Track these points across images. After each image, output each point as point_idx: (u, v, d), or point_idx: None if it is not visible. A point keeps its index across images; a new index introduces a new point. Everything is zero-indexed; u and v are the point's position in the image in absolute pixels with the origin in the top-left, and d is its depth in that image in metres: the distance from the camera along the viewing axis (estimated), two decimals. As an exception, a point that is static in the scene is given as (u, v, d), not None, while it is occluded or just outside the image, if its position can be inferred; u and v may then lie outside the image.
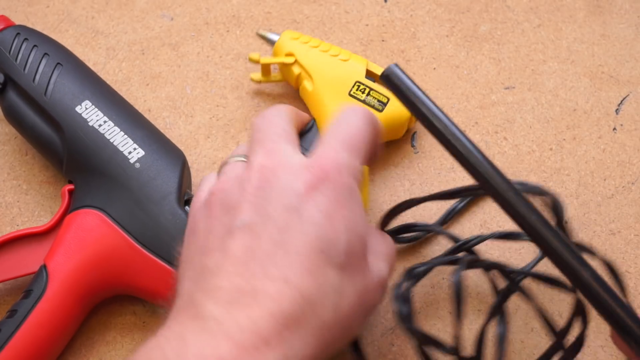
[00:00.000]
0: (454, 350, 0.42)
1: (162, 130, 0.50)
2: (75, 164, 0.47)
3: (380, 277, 0.39)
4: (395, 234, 0.48)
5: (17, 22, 0.52)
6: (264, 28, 0.56)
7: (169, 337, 0.33)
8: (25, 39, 0.49)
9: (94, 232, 0.45)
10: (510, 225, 0.50)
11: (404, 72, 0.38)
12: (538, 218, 0.36)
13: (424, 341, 0.43)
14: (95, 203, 0.46)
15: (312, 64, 0.50)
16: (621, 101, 0.54)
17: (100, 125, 0.47)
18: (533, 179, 0.51)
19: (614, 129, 0.53)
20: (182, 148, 0.50)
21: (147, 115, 0.53)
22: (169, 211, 0.45)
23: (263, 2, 0.58)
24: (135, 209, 0.45)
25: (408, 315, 0.42)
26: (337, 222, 0.36)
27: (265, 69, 0.52)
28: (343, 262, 0.35)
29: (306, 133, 0.46)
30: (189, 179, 0.49)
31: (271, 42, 0.53)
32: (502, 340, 0.45)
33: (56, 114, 0.47)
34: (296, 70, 0.51)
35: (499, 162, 0.52)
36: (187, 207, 0.46)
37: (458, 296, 0.40)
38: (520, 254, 0.49)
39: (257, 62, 0.52)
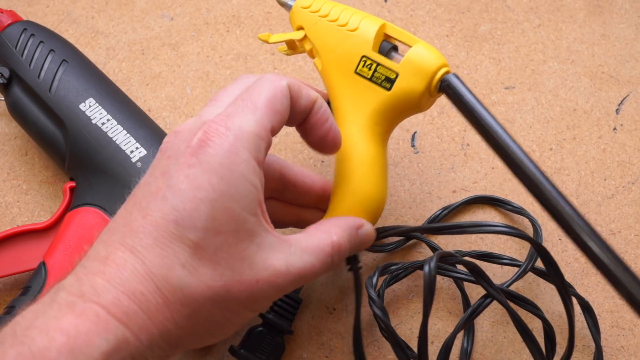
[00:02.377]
0: (416, 356, 0.42)
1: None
2: (77, 161, 0.47)
3: (277, 273, 0.35)
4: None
5: (17, 22, 0.52)
6: None
7: (29, 310, 0.33)
8: (32, 34, 0.49)
9: (94, 229, 0.45)
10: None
11: (462, 82, 0.40)
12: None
13: (393, 343, 0.42)
14: (95, 201, 0.46)
15: (320, 38, 0.45)
16: (621, 101, 0.54)
17: (103, 124, 0.47)
18: (533, 179, 0.51)
19: (614, 129, 0.53)
20: (182, 148, 0.49)
21: (147, 115, 0.54)
22: None
23: (263, 2, 0.58)
24: None
25: (381, 313, 0.42)
26: (202, 192, 0.33)
27: (290, 42, 0.47)
28: (199, 239, 0.33)
29: None
30: None
31: (287, 7, 0.47)
32: (466, 357, 0.45)
33: (60, 110, 0.47)
34: (307, 45, 0.46)
35: (498, 162, 0.52)
36: None
37: (429, 290, 0.38)
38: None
39: (266, 41, 0.47)
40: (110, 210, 0.45)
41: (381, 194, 0.43)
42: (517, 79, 0.55)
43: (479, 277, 0.42)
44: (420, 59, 0.42)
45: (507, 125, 0.53)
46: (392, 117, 0.44)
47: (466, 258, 0.45)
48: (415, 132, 0.53)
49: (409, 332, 0.47)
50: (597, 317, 0.46)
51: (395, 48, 0.44)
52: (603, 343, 0.46)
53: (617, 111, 0.54)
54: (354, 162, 0.43)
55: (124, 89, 0.54)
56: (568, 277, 0.48)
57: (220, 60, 0.56)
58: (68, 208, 0.47)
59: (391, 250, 0.49)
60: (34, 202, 0.51)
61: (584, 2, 0.58)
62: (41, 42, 0.49)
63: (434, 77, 0.42)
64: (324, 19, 0.45)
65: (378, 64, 0.43)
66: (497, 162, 0.52)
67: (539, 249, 0.41)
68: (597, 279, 0.48)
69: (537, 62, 0.56)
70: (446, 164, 0.52)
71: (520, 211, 0.50)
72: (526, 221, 0.50)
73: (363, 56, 0.43)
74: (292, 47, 0.47)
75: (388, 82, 0.43)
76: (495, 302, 0.43)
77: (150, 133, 0.48)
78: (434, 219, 0.49)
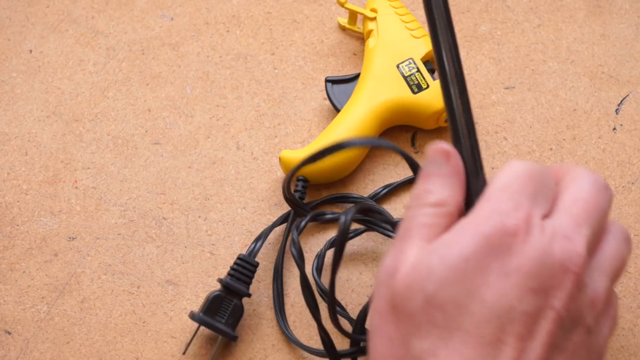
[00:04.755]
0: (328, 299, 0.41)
1: (162, 130, 0.50)
2: None
3: None
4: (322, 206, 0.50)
5: (17, 22, 0.52)
6: None
7: None
8: None
9: None
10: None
11: None
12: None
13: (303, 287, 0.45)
14: None
15: (386, 26, 0.52)
16: (621, 101, 0.54)
17: None
18: (533, 179, 0.51)
19: (614, 129, 0.53)
20: (182, 148, 0.50)
21: (147, 115, 0.54)
22: None
23: (263, 2, 0.58)
24: None
25: (297, 254, 0.45)
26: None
27: (352, 16, 0.55)
28: None
29: (342, 82, 0.52)
30: None
31: None
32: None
33: None
34: (371, 25, 0.53)
35: (498, 163, 0.52)
36: None
37: (341, 238, 0.37)
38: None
39: (342, 5, 0.53)
40: None
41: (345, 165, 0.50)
42: (517, 79, 0.55)
43: (370, 213, 0.44)
44: None
45: (507, 125, 0.53)
46: (399, 114, 0.51)
47: (368, 203, 0.50)
48: (415, 132, 0.53)
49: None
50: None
51: (434, 71, 0.51)
52: (603, 343, 0.46)
53: (616, 111, 0.54)
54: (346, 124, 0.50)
55: (124, 89, 0.55)
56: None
57: (220, 60, 0.56)
58: None
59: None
60: (34, 202, 0.51)
61: (584, 2, 0.58)
62: None
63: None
64: (397, 16, 0.52)
65: (419, 70, 0.51)
66: (497, 162, 0.52)
67: (409, 160, 0.42)
68: (597, 279, 0.48)
69: (537, 62, 0.56)
70: (446, 164, 0.52)
71: None
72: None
73: (410, 58, 0.51)
74: (353, 21, 0.55)
75: (417, 87, 0.51)
76: None
77: None
78: (374, 196, 0.51)
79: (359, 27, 0.55)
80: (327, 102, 0.53)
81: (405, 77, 0.51)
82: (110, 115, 0.54)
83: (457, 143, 0.36)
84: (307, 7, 0.57)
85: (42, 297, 0.49)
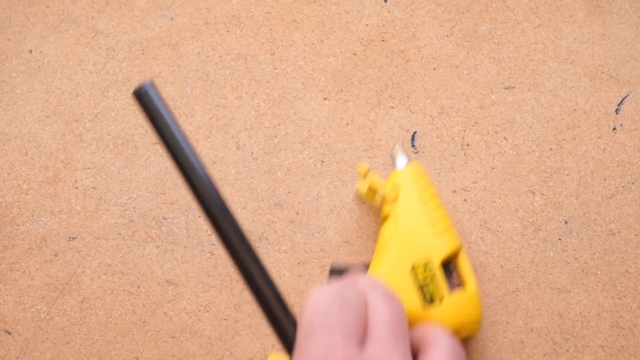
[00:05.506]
0: None
1: (162, 130, 0.50)
2: None
3: None
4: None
5: (17, 22, 0.52)
6: (399, 149, 0.50)
7: None
8: None
9: None
10: (510, 225, 0.50)
11: (158, 94, 0.34)
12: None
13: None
14: None
15: (405, 217, 0.44)
16: (621, 101, 0.54)
17: None
18: (533, 179, 0.51)
19: (614, 129, 0.53)
20: (182, 148, 0.49)
21: (147, 115, 0.54)
22: None
23: (263, 2, 0.58)
24: None
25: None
26: None
27: (375, 192, 0.46)
28: None
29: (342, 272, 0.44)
30: None
31: (398, 163, 0.48)
32: None
33: None
34: (388, 209, 0.46)
35: (498, 162, 0.52)
36: None
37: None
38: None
39: (364, 175, 0.46)
40: None
41: None
42: (517, 79, 0.55)
43: None
44: (462, 309, 0.43)
45: (507, 125, 0.53)
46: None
47: None
48: (415, 132, 0.53)
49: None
50: (597, 317, 0.46)
51: (452, 273, 0.45)
52: (603, 343, 0.46)
53: (616, 111, 0.54)
54: None
55: (124, 89, 0.55)
56: (568, 276, 0.48)
57: (220, 60, 0.56)
58: None
59: None
60: (34, 202, 0.51)
61: (584, 2, 0.58)
62: None
63: (460, 332, 0.43)
64: (420, 204, 0.45)
65: (433, 279, 0.43)
66: (497, 162, 0.52)
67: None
68: (597, 278, 0.48)
69: (537, 62, 0.56)
70: (446, 164, 0.52)
71: None
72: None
73: (428, 262, 0.43)
74: (373, 194, 0.46)
75: (431, 300, 0.43)
76: None
77: None
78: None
79: (377, 199, 0.47)
80: (327, 102, 0.53)
81: (418, 287, 0.43)
82: (110, 115, 0.54)
83: (261, 299, 0.33)
84: (307, 7, 0.57)
85: (42, 297, 0.49)
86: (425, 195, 0.45)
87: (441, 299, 0.42)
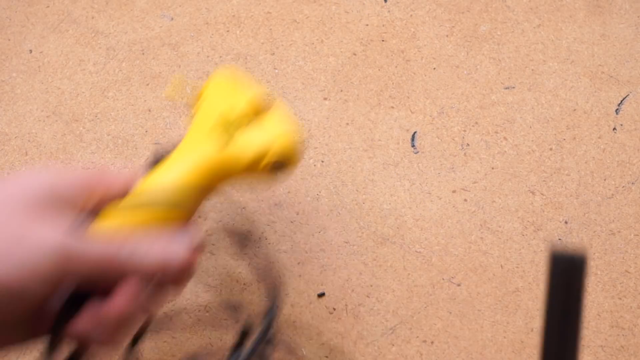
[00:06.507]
0: None
1: (162, 130, 0.50)
2: None
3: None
4: None
5: (17, 22, 0.52)
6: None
7: None
8: None
9: None
10: (510, 225, 0.50)
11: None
12: None
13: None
14: None
15: (210, 98, 0.42)
16: (621, 101, 0.54)
17: None
18: (533, 179, 0.51)
19: (614, 129, 0.53)
20: (182, 148, 0.49)
21: (147, 115, 0.54)
22: None
23: (263, 2, 0.58)
24: None
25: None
26: None
27: (176, 87, 0.46)
28: None
29: None
30: None
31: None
32: None
33: None
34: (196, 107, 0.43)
35: (498, 162, 0.52)
36: None
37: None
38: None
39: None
40: None
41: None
42: (517, 79, 0.55)
43: None
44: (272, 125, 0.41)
45: (507, 125, 0.53)
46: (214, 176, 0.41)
47: None
48: (415, 132, 0.53)
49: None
50: (597, 317, 0.46)
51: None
52: (603, 343, 0.46)
53: (616, 111, 0.54)
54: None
55: (124, 89, 0.55)
56: (568, 277, 0.48)
57: (220, 60, 0.56)
58: None
59: None
60: (34, 202, 0.51)
61: (584, 2, 0.58)
62: None
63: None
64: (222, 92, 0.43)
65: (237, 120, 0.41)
66: (497, 162, 0.52)
67: None
68: (597, 278, 0.48)
69: (537, 62, 0.56)
70: (446, 164, 0.52)
71: None
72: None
73: (233, 111, 0.41)
74: (179, 93, 0.46)
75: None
76: None
77: None
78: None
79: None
80: (327, 102, 0.53)
81: (223, 130, 0.40)
82: (110, 115, 0.54)
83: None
84: (307, 7, 0.57)
85: (42, 297, 0.49)
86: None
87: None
